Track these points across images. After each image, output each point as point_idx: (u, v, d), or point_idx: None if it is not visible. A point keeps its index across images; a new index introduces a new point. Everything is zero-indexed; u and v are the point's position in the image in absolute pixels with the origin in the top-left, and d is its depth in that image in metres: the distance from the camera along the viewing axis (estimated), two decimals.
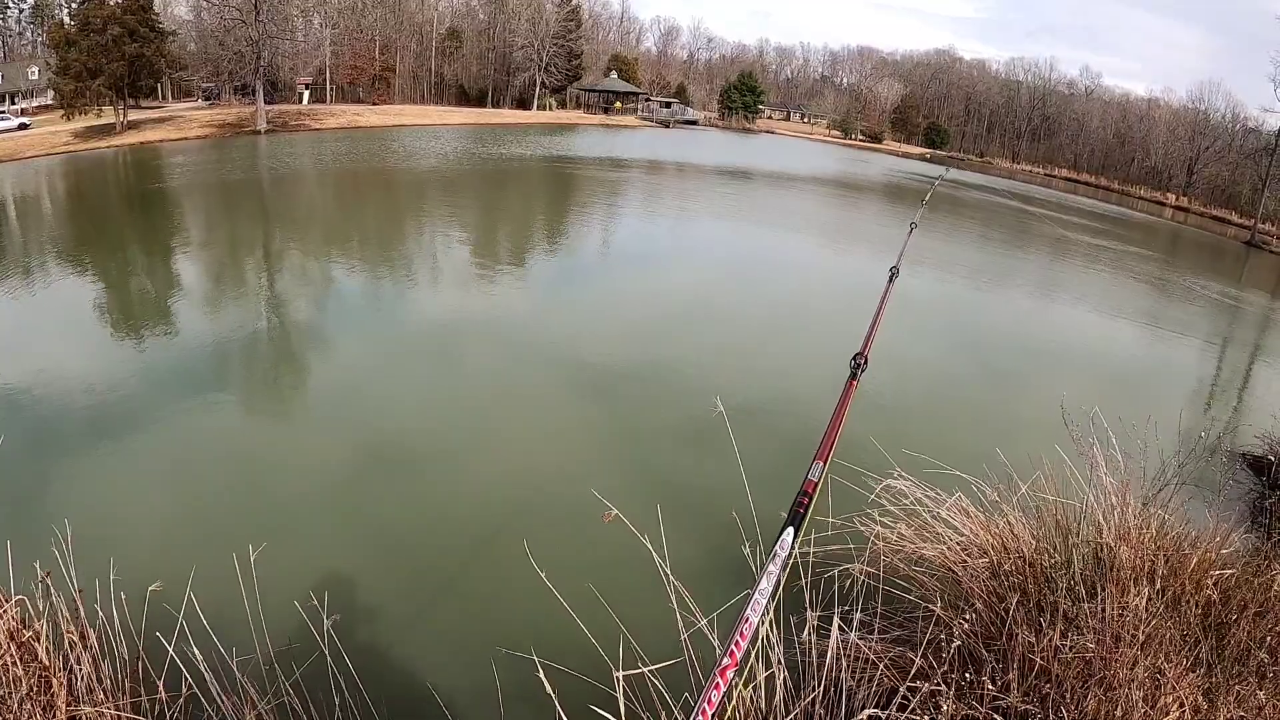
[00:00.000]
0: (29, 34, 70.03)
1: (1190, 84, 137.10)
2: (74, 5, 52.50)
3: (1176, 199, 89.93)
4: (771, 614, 4.20)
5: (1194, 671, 3.92)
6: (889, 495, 5.67)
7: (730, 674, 1.56)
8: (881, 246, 25.23)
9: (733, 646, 1.61)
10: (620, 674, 3.77)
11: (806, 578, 4.66)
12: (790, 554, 1.84)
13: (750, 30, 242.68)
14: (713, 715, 1.51)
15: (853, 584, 4.93)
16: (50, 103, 53.85)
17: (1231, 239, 61.09)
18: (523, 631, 5.28)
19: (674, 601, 4.26)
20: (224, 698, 4.22)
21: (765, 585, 1.76)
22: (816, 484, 2.12)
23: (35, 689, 3.88)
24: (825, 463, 2.18)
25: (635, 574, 4.99)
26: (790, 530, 1.95)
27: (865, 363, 2.88)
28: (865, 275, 20.07)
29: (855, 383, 2.72)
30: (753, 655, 4.12)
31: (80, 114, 46.76)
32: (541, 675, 3.72)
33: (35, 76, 59.64)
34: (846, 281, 21.38)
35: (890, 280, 3.89)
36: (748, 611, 1.69)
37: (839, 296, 19.08)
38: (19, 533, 4.88)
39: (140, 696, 4.29)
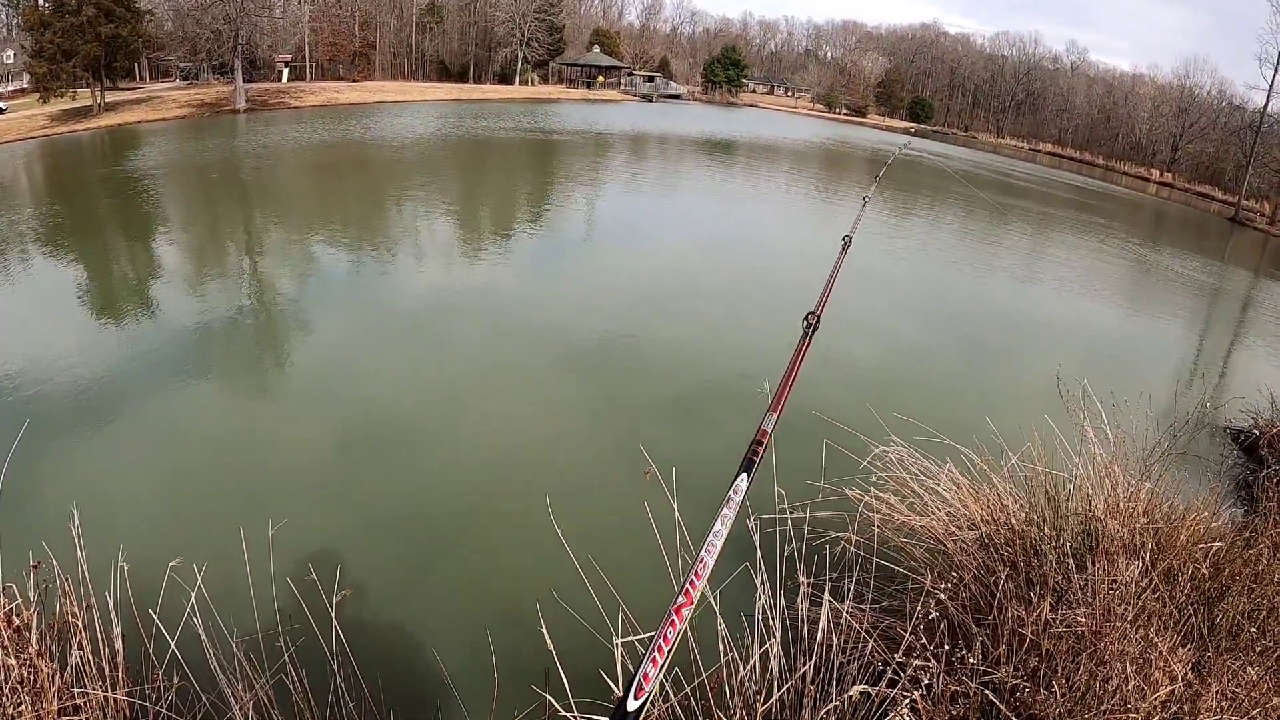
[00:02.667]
0: (4, 16, 68.66)
1: (1176, 61, 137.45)
2: None
3: (1161, 175, 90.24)
4: (769, 586, 4.26)
5: (1184, 645, 3.95)
6: (880, 464, 5.71)
7: (686, 612, 1.65)
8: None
9: (688, 586, 1.70)
10: (618, 640, 3.82)
11: (800, 546, 4.69)
12: (742, 499, 1.92)
13: (734, 4, 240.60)
14: (669, 651, 1.60)
15: (843, 553, 4.96)
16: (26, 86, 52.84)
17: (1215, 215, 61.28)
18: (519, 601, 5.28)
19: (670, 571, 4.29)
20: (223, 678, 4.21)
21: (720, 528, 1.85)
22: (769, 433, 2.18)
23: (26, 676, 3.86)
24: (778, 414, 2.24)
25: (631, 543, 5.02)
26: (744, 476, 2.01)
27: (817, 322, 2.91)
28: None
29: (809, 341, 2.77)
30: (751, 633, 4.16)
31: (56, 97, 45.81)
32: (544, 632, 3.76)
33: (11, 60, 58.44)
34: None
35: (843, 249, 3.91)
36: (703, 553, 1.77)
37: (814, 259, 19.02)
38: (7, 520, 4.83)
39: (137, 681, 4.28)
